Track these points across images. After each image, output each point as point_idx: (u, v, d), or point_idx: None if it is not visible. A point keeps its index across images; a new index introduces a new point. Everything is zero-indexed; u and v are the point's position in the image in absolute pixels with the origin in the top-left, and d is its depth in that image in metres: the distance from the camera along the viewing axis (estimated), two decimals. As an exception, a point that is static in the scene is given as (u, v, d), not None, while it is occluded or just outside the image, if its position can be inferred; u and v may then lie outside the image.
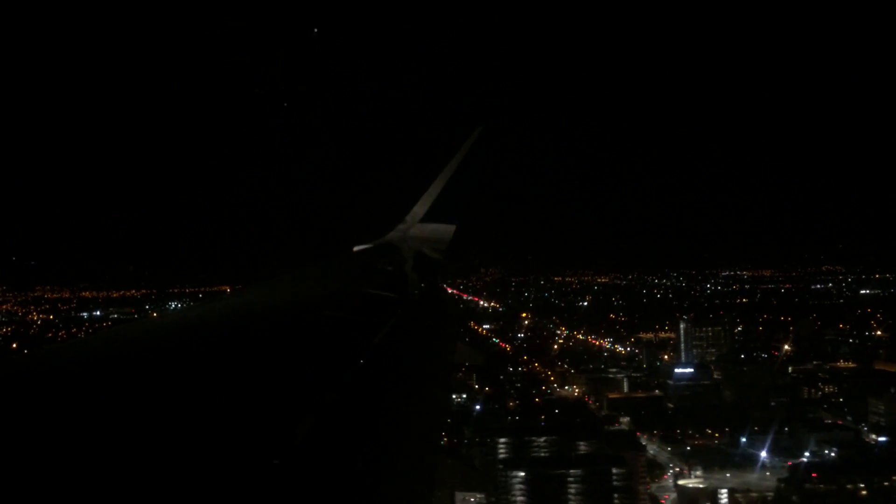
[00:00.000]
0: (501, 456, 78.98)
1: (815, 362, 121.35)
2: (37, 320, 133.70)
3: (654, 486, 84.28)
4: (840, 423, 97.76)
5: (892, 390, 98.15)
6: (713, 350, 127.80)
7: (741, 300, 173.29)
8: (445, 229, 10.20)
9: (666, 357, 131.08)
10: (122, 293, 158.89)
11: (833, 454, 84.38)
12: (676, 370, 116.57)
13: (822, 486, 68.11)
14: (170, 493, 2.06)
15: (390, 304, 5.74)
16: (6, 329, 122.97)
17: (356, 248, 9.23)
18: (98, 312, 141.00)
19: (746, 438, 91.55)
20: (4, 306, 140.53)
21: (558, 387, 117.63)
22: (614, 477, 72.06)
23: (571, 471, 71.74)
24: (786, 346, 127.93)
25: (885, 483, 70.09)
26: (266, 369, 3.39)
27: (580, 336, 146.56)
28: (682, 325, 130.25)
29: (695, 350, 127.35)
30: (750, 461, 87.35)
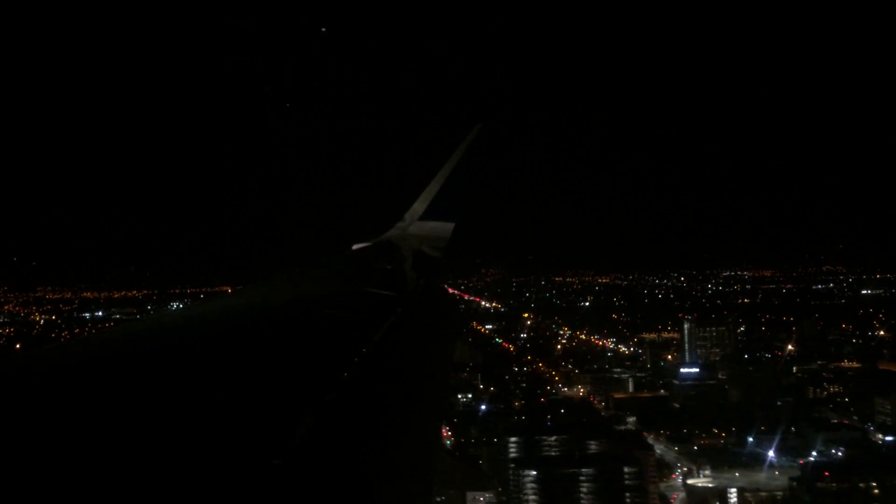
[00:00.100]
0: (512, 455, 79.02)
1: (819, 362, 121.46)
2: (39, 321, 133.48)
3: (662, 486, 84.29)
4: (846, 422, 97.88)
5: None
6: (717, 350, 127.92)
7: (743, 300, 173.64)
8: (444, 227, 10.19)
9: (669, 357, 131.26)
10: (123, 294, 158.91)
11: (840, 454, 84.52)
12: (682, 370, 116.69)
13: (834, 484, 68.22)
14: (170, 493, 2.05)
15: (390, 302, 5.70)
16: (9, 329, 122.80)
17: (355, 247, 9.19)
18: (100, 313, 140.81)
19: (753, 438, 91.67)
20: (6, 307, 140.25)
21: (563, 387, 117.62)
22: (626, 476, 72.19)
23: (584, 470, 71.84)
24: (789, 346, 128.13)
25: (896, 482, 70.19)
26: (265, 368, 3.36)
27: (583, 336, 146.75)
28: (685, 326, 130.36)
29: (699, 350, 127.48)
30: (757, 460, 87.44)
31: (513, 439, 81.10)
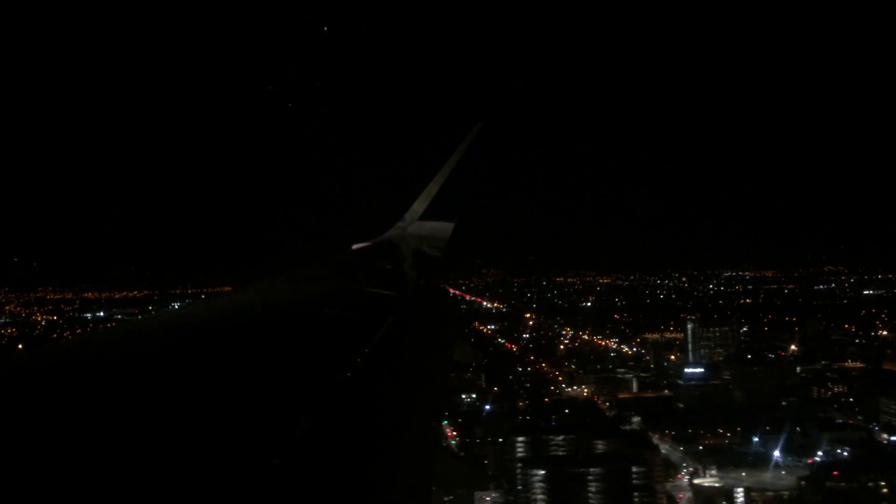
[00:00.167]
0: (520, 454, 78.99)
1: (823, 362, 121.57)
2: (41, 321, 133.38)
3: (668, 486, 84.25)
4: (851, 422, 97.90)
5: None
6: (720, 350, 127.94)
7: (744, 301, 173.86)
8: (444, 227, 10.19)
9: (672, 357, 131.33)
10: (124, 294, 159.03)
11: (846, 453, 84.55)
12: (686, 370, 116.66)
13: (843, 484, 68.21)
14: (169, 493, 2.02)
15: (389, 302, 5.68)
16: (11, 330, 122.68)
17: (355, 247, 9.16)
18: (101, 313, 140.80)
19: (758, 438, 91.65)
20: (8, 307, 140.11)
21: (566, 387, 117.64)
22: (634, 475, 72.21)
23: (592, 469, 71.87)
24: (792, 347, 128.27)
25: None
26: (264, 368, 3.31)
27: (585, 336, 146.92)
28: (689, 326, 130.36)
29: (702, 350, 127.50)
30: (763, 460, 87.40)
31: (520, 439, 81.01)
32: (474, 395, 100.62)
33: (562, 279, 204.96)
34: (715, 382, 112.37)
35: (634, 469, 72.79)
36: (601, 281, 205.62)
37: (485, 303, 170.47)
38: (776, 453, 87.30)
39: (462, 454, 78.99)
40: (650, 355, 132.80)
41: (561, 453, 78.34)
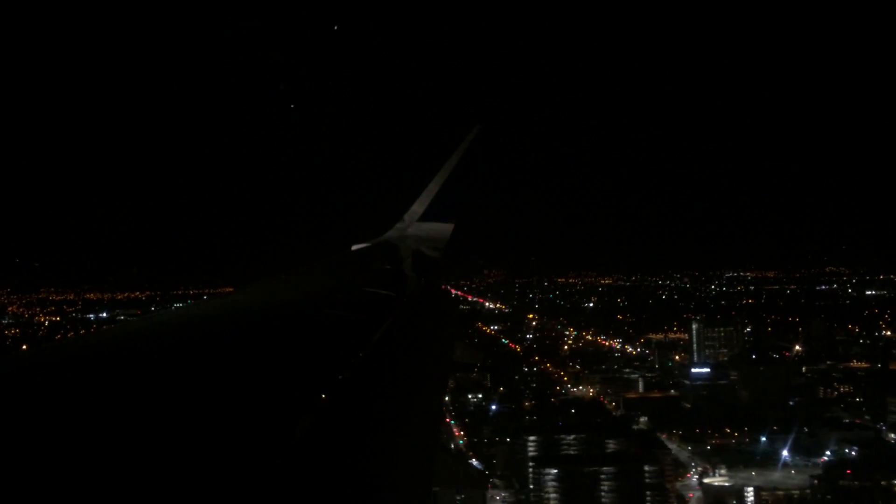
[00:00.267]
0: (531, 454, 78.96)
1: (828, 362, 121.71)
2: (43, 322, 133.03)
3: (677, 485, 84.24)
4: (859, 422, 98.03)
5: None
6: (725, 350, 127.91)
7: (747, 301, 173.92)
8: (444, 228, 10.24)
9: (677, 357, 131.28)
10: (126, 295, 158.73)
11: (854, 453, 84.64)
12: (693, 370, 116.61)
13: (856, 483, 68.27)
14: (169, 493, 2.03)
15: (389, 302, 5.68)
16: (14, 331, 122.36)
17: (354, 247, 9.20)
18: (104, 314, 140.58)
19: (766, 437, 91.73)
20: (10, 308, 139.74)
21: (572, 387, 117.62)
22: (646, 474, 72.25)
23: (604, 468, 71.89)
24: (797, 347, 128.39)
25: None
26: (264, 368, 3.30)
27: (589, 337, 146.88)
28: (694, 326, 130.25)
29: (707, 350, 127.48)
30: (772, 460, 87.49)
31: (531, 438, 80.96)
32: (480, 395, 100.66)
33: (563, 280, 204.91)
34: (721, 382, 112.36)
35: (646, 468, 72.77)
36: (603, 281, 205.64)
37: (487, 304, 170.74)
38: (785, 453, 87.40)
39: (470, 454, 79.08)
40: (654, 355, 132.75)
41: (572, 452, 78.30)
